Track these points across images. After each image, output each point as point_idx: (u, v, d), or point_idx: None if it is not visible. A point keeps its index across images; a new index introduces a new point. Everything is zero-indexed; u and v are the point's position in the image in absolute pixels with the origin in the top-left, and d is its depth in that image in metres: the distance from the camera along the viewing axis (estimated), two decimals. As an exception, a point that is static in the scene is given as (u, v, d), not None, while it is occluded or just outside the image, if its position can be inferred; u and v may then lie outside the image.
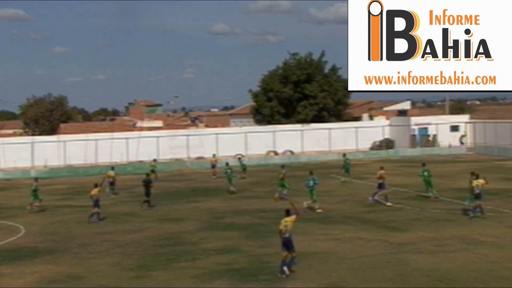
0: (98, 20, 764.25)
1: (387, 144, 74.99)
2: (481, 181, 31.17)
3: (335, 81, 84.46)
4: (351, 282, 20.38)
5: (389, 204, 34.86)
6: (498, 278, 20.23)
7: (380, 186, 36.49)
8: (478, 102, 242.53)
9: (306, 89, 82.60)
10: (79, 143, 68.48)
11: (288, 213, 22.07)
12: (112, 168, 48.75)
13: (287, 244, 21.29)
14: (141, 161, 67.03)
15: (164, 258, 24.76)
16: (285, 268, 21.16)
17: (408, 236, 26.93)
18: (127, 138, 70.22)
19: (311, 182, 35.09)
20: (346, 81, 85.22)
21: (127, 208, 38.50)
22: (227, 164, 48.02)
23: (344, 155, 51.85)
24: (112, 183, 45.08)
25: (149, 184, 38.36)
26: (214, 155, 60.29)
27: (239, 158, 58.97)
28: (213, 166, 55.47)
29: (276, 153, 71.79)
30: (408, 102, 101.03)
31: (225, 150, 69.59)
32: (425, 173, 37.19)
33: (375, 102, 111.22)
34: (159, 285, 20.90)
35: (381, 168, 37.55)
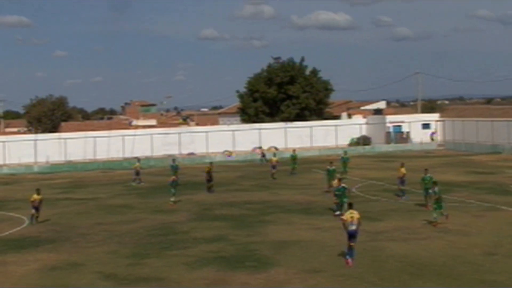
0: (95, 26, 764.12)
1: (364, 140, 75.15)
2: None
3: (316, 82, 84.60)
4: (330, 268, 20.41)
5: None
6: (464, 263, 20.35)
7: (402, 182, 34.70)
8: (447, 102, 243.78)
9: (289, 90, 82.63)
10: (79, 141, 68.15)
11: (351, 205, 21.73)
12: (138, 160, 50.60)
13: (353, 236, 20.82)
14: (136, 157, 66.76)
15: (157, 246, 24.71)
16: (349, 259, 20.74)
17: (383, 225, 27.00)
18: (123, 136, 70.00)
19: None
20: (326, 82, 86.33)
21: (123, 200, 38.34)
22: (173, 160, 46.90)
23: (345, 152, 49.06)
24: (137, 173, 46.91)
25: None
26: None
27: (294, 150, 53.29)
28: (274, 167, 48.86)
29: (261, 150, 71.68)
30: (384, 102, 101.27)
31: (214, 146, 69.90)
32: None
33: (353, 102, 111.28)
34: (153, 271, 20.86)
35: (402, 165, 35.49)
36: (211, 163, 42.61)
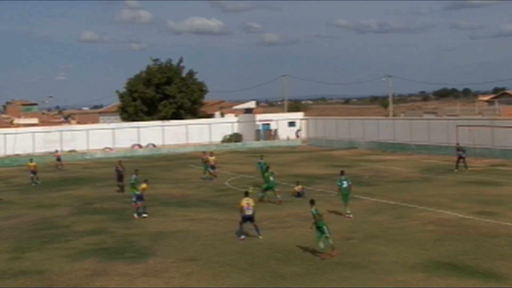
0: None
1: (236, 137, 75.85)
2: None
3: (192, 83, 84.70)
4: (205, 256, 20.49)
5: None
6: (326, 248, 20.96)
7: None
8: (310, 102, 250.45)
9: (166, 90, 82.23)
10: (-41, 139, 64.71)
11: (247, 194, 23.55)
12: (31, 159, 46.11)
13: (250, 219, 22.67)
14: (17, 155, 64.35)
15: (39, 240, 23.88)
16: (243, 237, 22.59)
17: (253, 215, 27.28)
18: (4, 134, 67.19)
19: (345, 183, 27.30)
20: (201, 83, 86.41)
21: (4, 196, 36.69)
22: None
23: (261, 158, 39.95)
24: (34, 172, 42.49)
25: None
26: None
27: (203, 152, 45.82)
28: (213, 167, 41.60)
29: (140, 146, 70.87)
30: (254, 102, 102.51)
31: (95, 144, 68.42)
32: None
33: (226, 102, 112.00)
34: (33, 264, 20.13)
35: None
36: (120, 160, 39.96)
